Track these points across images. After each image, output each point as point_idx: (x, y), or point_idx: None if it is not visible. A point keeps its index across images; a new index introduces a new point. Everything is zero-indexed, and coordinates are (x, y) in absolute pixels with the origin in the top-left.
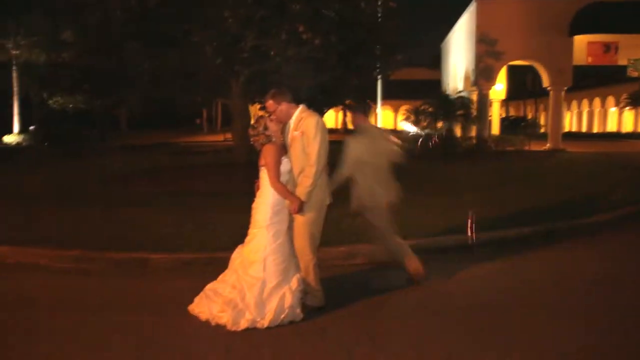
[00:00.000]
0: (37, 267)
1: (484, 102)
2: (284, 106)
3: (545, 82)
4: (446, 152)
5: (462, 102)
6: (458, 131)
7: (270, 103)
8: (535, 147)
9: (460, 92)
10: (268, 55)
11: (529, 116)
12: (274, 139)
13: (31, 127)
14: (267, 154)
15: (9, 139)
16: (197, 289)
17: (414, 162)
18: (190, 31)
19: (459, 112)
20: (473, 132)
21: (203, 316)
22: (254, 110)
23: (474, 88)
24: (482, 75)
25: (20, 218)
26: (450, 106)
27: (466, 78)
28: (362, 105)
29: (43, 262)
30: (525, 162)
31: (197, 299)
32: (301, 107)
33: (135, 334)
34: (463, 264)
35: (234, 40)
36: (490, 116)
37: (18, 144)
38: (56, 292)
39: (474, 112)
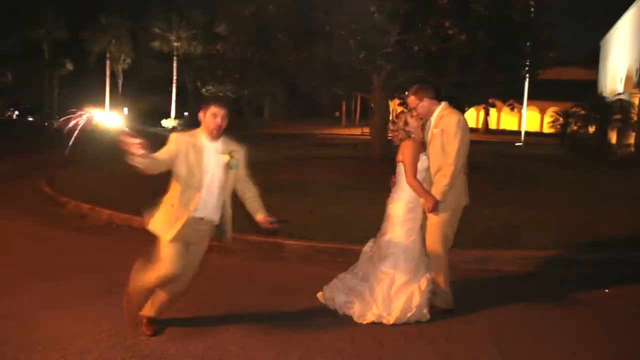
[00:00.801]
0: None
1: None
2: (425, 102)
3: None
4: (598, 160)
5: (621, 106)
6: (613, 137)
7: (412, 99)
8: None
9: (619, 94)
10: (412, 50)
11: None
12: (413, 135)
13: (185, 113)
14: (405, 150)
15: (166, 123)
16: (327, 278)
17: (559, 169)
18: (336, 24)
19: (616, 117)
20: (632, 140)
21: (331, 305)
22: (394, 105)
23: (637, 91)
24: None
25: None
26: (606, 109)
27: (628, 79)
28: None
29: None
30: None
31: (326, 288)
32: (443, 104)
33: (265, 315)
34: (608, 279)
35: (378, 34)
36: None
37: (174, 127)
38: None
39: (635, 117)
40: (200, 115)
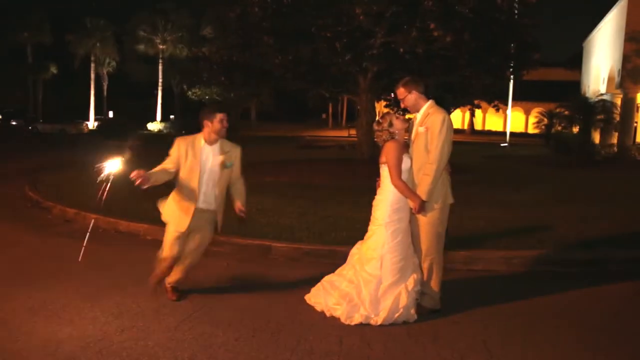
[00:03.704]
0: None
1: (629, 107)
2: (413, 95)
3: None
4: (581, 160)
5: (604, 106)
6: (597, 137)
7: (401, 90)
8: None
9: (602, 95)
10: (397, 52)
11: None
12: (397, 136)
13: (171, 116)
14: (389, 151)
15: (152, 126)
16: (315, 280)
17: (544, 169)
18: (322, 27)
19: (599, 117)
20: (614, 140)
21: (318, 307)
22: (380, 107)
23: (619, 91)
24: (630, 77)
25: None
26: (590, 110)
27: (610, 80)
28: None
29: None
30: None
31: (314, 290)
32: (430, 102)
33: (252, 317)
34: (596, 278)
35: (364, 37)
36: (637, 123)
37: (159, 131)
38: None
39: (617, 118)
40: (206, 122)
